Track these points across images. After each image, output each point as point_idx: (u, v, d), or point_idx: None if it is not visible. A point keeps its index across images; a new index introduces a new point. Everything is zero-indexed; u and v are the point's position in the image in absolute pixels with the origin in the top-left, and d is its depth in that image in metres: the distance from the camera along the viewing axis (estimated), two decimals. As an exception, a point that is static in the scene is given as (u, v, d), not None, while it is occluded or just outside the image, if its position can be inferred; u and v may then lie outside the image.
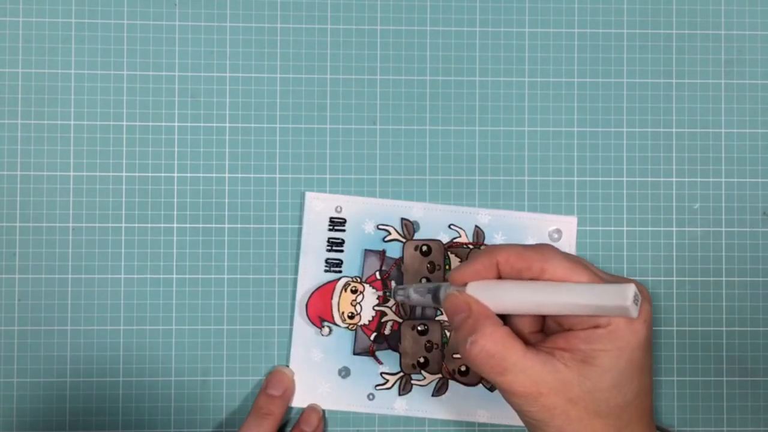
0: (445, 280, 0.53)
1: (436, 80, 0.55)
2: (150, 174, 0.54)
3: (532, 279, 0.44)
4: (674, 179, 0.55)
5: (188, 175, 0.54)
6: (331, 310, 0.53)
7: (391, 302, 0.54)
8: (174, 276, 0.54)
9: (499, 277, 0.45)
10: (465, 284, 0.46)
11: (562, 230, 0.54)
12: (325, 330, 0.54)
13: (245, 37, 0.54)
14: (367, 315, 0.54)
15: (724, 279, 0.55)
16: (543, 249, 0.45)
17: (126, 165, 0.54)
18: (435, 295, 0.48)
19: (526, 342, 0.45)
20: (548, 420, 0.43)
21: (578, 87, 0.55)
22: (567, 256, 0.45)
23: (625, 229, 0.55)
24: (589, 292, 0.43)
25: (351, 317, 0.54)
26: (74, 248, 0.53)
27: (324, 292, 0.53)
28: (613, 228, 0.55)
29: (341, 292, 0.53)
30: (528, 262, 0.44)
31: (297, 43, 0.55)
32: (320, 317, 0.53)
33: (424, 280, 0.54)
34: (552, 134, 0.55)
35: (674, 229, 0.55)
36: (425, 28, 0.55)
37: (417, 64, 0.55)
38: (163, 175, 0.54)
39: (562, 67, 0.55)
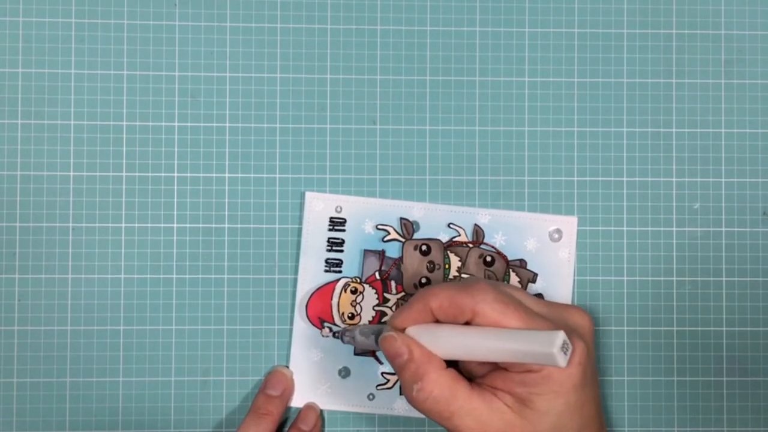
0: (444, 280, 0.53)
1: (436, 80, 0.55)
2: (150, 174, 0.54)
3: (467, 323, 0.45)
4: (674, 179, 0.55)
5: (188, 175, 0.54)
6: (331, 311, 0.53)
7: (391, 302, 0.54)
8: (174, 276, 0.54)
9: (436, 320, 0.46)
10: (404, 329, 0.46)
11: (562, 230, 0.54)
12: (326, 331, 0.54)
13: (245, 37, 0.54)
14: (367, 315, 0.54)
15: (724, 279, 0.55)
16: (475, 290, 0.45)
17: (126, 165, 0.54)
18: (377, 337, 0.48)
19: (474, 374, 0.45)
20: None
21: (578, 87, 0.55)
22: (499, 296, 0.44)
23: (625, 229, 0.55)
24: (517, 338, 0.42)
25: (351, 318, 0.54)
26: (74, 248, 0.53)
27: (323, 293, 0.53)
28: (613, 228, 0.55)
29: (341, 293, 0.53)
30: (460, 307, 0.44)
31: (297, 43, 0.54)
32: (320, 318, 0.53)
33: (424, 280, 0.54)
34: (552, 134, 0.55)
35: (674, 229, 0.55)
36: (425, 28, 0.55)
37: (417, 64, 0.55)
38: (163, 175, 0.54)
39: (562, 67, 0.55)
